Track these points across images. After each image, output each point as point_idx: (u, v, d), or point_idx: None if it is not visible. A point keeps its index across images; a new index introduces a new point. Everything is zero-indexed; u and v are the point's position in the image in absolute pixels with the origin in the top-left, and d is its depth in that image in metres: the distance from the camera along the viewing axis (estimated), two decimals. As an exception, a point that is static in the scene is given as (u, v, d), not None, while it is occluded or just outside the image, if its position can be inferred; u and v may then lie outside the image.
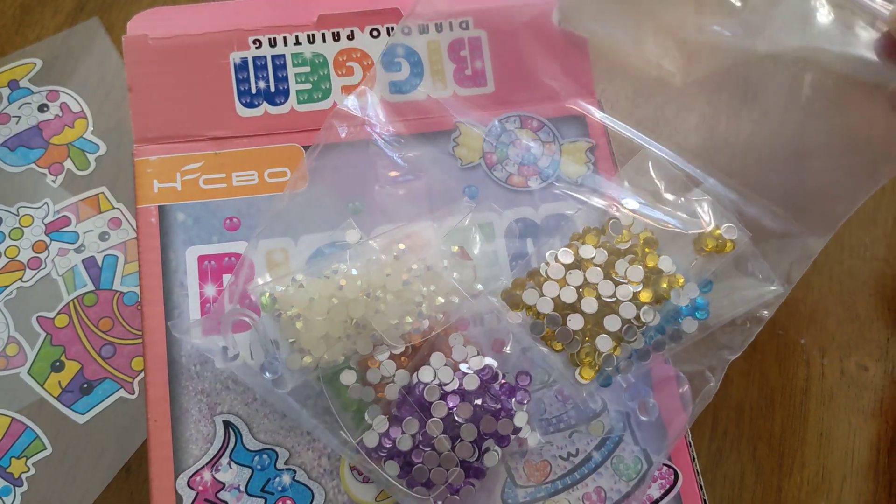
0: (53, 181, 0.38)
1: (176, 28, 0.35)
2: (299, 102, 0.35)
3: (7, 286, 0.36)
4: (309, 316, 0.28)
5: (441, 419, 0.28)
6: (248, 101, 0.35)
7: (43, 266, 0.37)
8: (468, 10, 0.37)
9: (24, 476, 0.34)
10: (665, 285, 0.29)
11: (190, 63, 0.35)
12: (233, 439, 0.30)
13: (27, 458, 0.34)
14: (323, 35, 0.36)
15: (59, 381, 0.35)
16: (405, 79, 0.36)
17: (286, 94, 0.35)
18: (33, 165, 0.39)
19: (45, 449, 0.34)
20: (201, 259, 0.33)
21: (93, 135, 0.40)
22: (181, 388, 0.31)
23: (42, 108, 0.40)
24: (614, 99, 0.42)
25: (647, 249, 0.30)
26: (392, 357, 0.29)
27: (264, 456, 0.30)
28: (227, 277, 0.32)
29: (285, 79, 0.35)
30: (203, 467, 0.30)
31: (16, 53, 0.41)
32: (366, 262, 0.30)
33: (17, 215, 0.38)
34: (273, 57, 0.35)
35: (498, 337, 0.31)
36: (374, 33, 0.36)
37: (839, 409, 0.38)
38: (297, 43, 0.36)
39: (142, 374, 0.35)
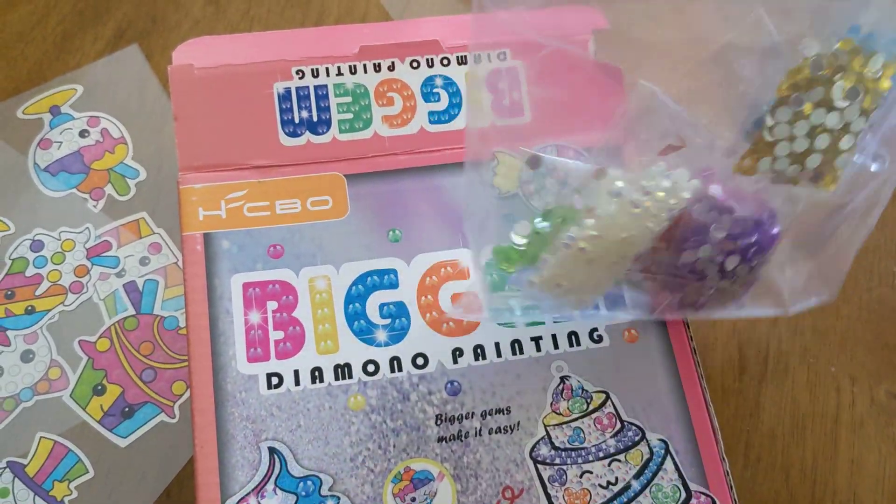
0: (94, 206, 0.39)
1: (220, 58, 0.36)
2: (341, 132, 0.36)
3: (49, 310, 0.37)
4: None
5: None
6: (291, 130, 0.36)
7: (84, 290, 0.37)
8: (506, 41, 0.37)
9: (66, 499, 0.34)
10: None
11: (234, 93, 0.36)
12: (277, 465, 0.31)
13: (70, 482, 0.34)
14: (364, 66, 0.37)
15: (101, 405, 0.35)
16: (444, 109, 0.37)
17: (328, 123, 0.36)
18: (75, 190, 0.39)
19: (87, 472, 0.35)
20: (246, 286, 0.33)
21: (133, 160, 0.40)
22: (227, 415, 0.31)
23: (83, 133, 0.41)
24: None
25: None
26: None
27: (308, 482, 0.31)
28: (270, 304, 0.33)
29: (327, 108, 0.36)
30: (249, 493, 0.30)
31: (57, 79, 0.42)
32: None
33: (59, 240, 0.38)
34: (316, 87, 0.36)
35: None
36: (414, 64, 0.37)
37: (869, 437, 0.38)
38: (339, 74, 0.36)
39: (182, 398, 0.36)
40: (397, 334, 0.33)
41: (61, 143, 0.40)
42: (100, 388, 0.36)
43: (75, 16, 0.44)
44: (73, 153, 0.40)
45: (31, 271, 0.38)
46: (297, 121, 0.36)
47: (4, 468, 0.34)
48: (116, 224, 0.39)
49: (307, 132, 0.36)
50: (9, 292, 0.37)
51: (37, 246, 0.38)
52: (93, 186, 0.39)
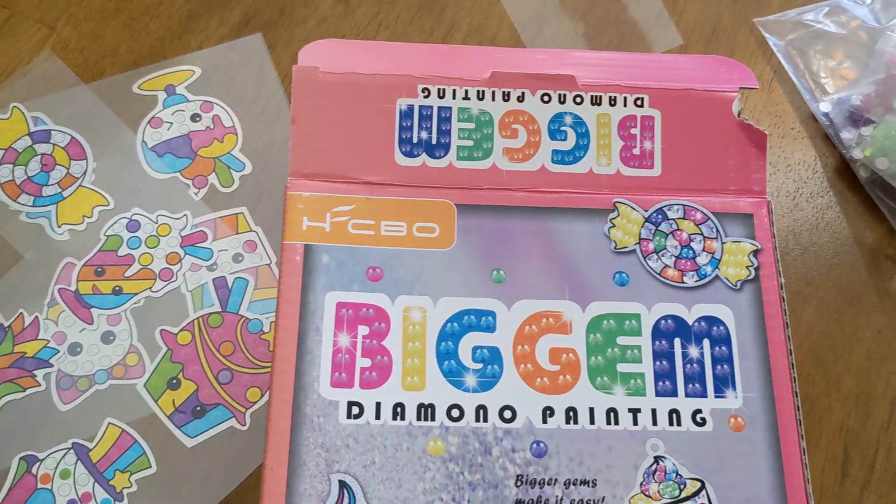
0: (196, 194, 0.38)
1: (347, 63, 0.35)
2: (458, 158, 0.34)
3: (136, 294, 0.36)
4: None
5: None
6: (408, 149, 0.34)
7: (174, 279, 0.37)
8: (646, 87, 0.35)
9: (125, 491, 0.33)
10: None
11: (356, 103, 0.34)
12: (346, 501, 0.29)
13: (131, 474, 0.33)
14: (493, 93, 0.35)
15: (174, 400, 0.35)
16: (569, 149, 0.35)
17: (447, 148, 0.34)
18: (178, 175, 0.39)
19: (150, 467, 0.34)
20: (339, 306, 0.32)
21: (241, 152, 0.39)
22: (302, 439, 0.30)
23: (195, 117, 0.40)
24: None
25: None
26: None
27: (375, 525, 0.29)
28: (361, 329, 0.31)
29: (448, 132, 0.34)
30: (313, 526, 0.29)
31: (176, 59, 0.41)
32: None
33: (156, 223, 0.38)
34: (439, 108, 0.35)
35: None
36: (546, 98, 0.35)
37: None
38: (466, 97, 0.35)
39: (255, 406, 0.35)
40: (487, 381, 0.31)
41: (172, 123, 0.39)
42: (175, 381, 0.35)
43: (204, -4, 0.43)
44: (182, 136, 0.39)
45: (123, 251, 0.37)
46: (415, 140, 0.34)
47: (69, 449, 0.34)
48: (215, 216, 0.38)
49: (424, 154, 0.34)
50: (99, 269, 0.37)
51: (133, 226, 0.37)
52: (197, 173, 0.38)
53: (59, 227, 0.37)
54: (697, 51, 0.45)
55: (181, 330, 0.36)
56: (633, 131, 0.35)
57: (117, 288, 0.36)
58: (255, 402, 0.35)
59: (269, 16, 0.43)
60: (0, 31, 0.42)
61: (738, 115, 0.35)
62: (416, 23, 0.44)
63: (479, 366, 0.31)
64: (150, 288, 0.36)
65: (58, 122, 0.39)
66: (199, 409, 0.34)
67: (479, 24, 0.44)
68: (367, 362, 0.31)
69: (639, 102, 0.35)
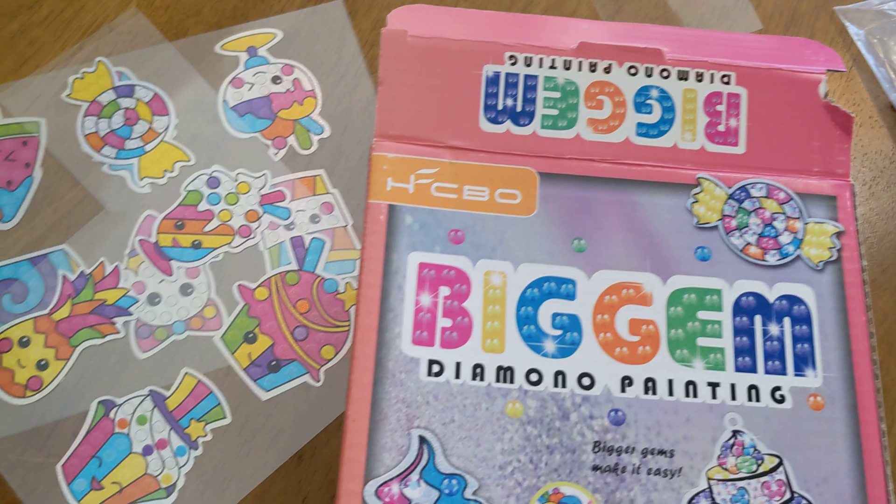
0: (275, 154, 0.39)
1: (435, 29, 0.35)
2: (543, 127, 0.34)
3: (215, 248, 0.37)
4: None
5: None
6: (493, 116, 0.34)
7: (252, 236, 0.37)
8: (733, 64, 0.35)
9: (200, 440, 0.34)
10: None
11: (443, 67, 0.34)
12: (426, 456, 0.29)
13: (206, 423, 0.34)
14: (580, 63, 0.35)
15: (249, 354, 0.35)
16: (654, 122, 0.35)
17: (531, 116, 0.34)
18: (258, 135, 0.39)
19: (225, 418, 0.34)
20: (422, 266, 0.32)
21: (320, 115, 0.40)
22: (383, 394, 0.30)
23: (275, 79, 0.40)
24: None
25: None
26: None
27: (454, 481, 0.29)
28: (443, 289, 0.32)
29: (533, 101, 0.34)
30: (393, 479, 0.29)
31: (259, 21, 0.42)
32: None
33: (236, 181, 0.38)
34: (526, 76, 0.35)
35: None
36: (632, 70, 0.35)
37: None
38: (553, 67, 0.35)
39: (329, 364, 0.35)
40: (567, 348, 0.31)
41: (253, 84, 0.40)
42: (251, 336, 0.35)
43: (287, -39, 0.43)
44: (263, 97, 0.40)
45: (203, 206, 0.37)
46: (500, 108, 0.34)
47: (146, 395, 0.34)
48: (294, 177, 0.38)
49: (508, 121, 0.34)
50: (179, 222, 0.37)
51: (213, 182, 0.38)
52: (276, 134, 0.39)
53: (141, 179, 0.38)
54: (777, 35, 0.45)
55: (258, 286, 0.36)
56: (718, 108, 0.35)
57: (197, 242, 0.37)
58: (329, 360, 0.35)
59: (351, -18, 0.43)
60: (87, -14, 0.42)
61: (825, 97, 0.35)
62: (495, -4, 0.44)
63: (559, 332, 0.31)
64: (229, 244, 0.37)
65: (141, 78, 0.40)
66: (274, 363, 0.35)
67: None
68: (447, 322, 0.31)
69: (725, 79, 0.35)
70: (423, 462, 0.29)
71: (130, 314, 0.35)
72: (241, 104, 0.39)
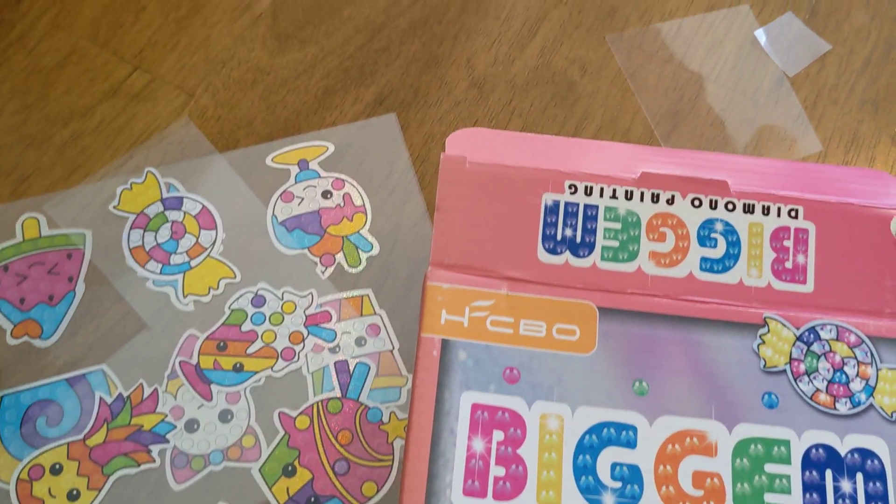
0: (322, 272, 0.38)
1: (493, 154, 0.34)
2: (603, 259, 0.33)
3: (257, 372, 0.35)
4: None
5: None
6: (552, 246, 0.33)
7: (296, 359, 0.36)
8: (800, 197, 0.34)
9: (234, 582, 0.32)
10: None
11: (502, 195, 0.33)
12: None
13: (241, 563, 0.32)
14: (642, 194, 0.34)
15: (288, 488, 0.33)
16: (719, 258, 0.33)
17: (591, 247, 0.33)
18: (306, 251, 0.38)
19: (260, 557, 0.32)
20: (475, 407, 0.30)
21: (369, 232, 0.39)
22: (430, 549, 0.28)
23: (326, 194, 0.39)
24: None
25: None
26: None
27: None
28: (496, 434, 0.30)
29: (594, 231, 0.33)
30: None
31: (311, 133, 0.41)
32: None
33: (282, 300, 0.37)
34: (586, 206, 0.33)
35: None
36: (696, 202, 0.34)
37: None
38: (614, 196, 0.34)
39: (370, 502, 0.33)
40: (626, 502, 0.29)
41: (303, 199, 0.39)
42: (290, 468, 0.33)
43: (340, 73, 0.43)
44: (312, 212, 0.39)
45: (247, 326, 0.36)
46: (559, 238, 0.33)
47: (180, 531, 0.33)
48: (341, 296, 0.37)
49: (567, 252, 0.33)
50: (221, 343, 0.36)
51: (258, 301, 0.37)
52: (325, 251, 0.38)
53: (185, 297, 0.37)
54: (837, 158, 0.44)
55: (300, 414, 0.35)
56: (786, 243, 0.33)
57: (238, 364, 0.35)
58: (370, 498, 0.33)
59: (404, 96, 0.42)
60: (141, 94, 0.42)
61: (899, 235, 0.33)
62: (549, 112, 0.43)
63: (618, 484, 0.30)
64: (272, 367, 0.35)
65: (190, 190, 0.39)
66: (313, 500, 0.33)
67: (612, 116, 0.43)
68: (500, 471, 0.29)
69: (793, 213, 0.34)
70: None
71: (167, 442, 0.34)
72: (291, 219, 0.39)
